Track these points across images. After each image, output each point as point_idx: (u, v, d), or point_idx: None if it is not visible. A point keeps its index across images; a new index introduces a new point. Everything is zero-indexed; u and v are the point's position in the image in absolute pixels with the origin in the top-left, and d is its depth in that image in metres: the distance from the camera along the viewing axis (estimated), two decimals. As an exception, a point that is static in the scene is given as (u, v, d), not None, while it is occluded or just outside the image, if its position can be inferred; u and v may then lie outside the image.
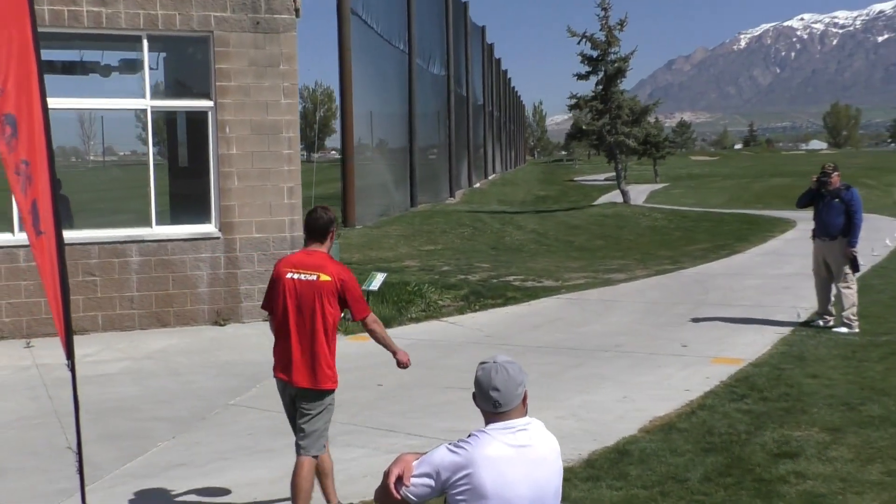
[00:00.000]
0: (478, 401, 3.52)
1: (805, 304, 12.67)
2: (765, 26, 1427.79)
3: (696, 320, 12.06)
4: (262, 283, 12.55)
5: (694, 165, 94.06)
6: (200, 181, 12.76)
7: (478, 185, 59.04)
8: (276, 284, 5.77)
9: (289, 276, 5.70)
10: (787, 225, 24.66)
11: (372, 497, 6.10)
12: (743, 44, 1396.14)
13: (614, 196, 44.32)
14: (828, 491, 6.13)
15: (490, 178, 69.30)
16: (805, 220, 26.51)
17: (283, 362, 5.81)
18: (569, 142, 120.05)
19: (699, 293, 14.11)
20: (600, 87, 31.73)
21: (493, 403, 3.44)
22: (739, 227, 24.86)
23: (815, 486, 6.21)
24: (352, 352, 10.99)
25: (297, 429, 5.89)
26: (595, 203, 39.73)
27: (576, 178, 72.77)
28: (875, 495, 6.05)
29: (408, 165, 35.37)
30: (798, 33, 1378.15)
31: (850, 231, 11.14)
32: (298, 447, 5.82)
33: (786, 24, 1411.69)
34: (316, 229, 5.79)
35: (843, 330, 10.94)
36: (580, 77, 32.15)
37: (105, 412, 8.51)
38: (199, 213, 12.61)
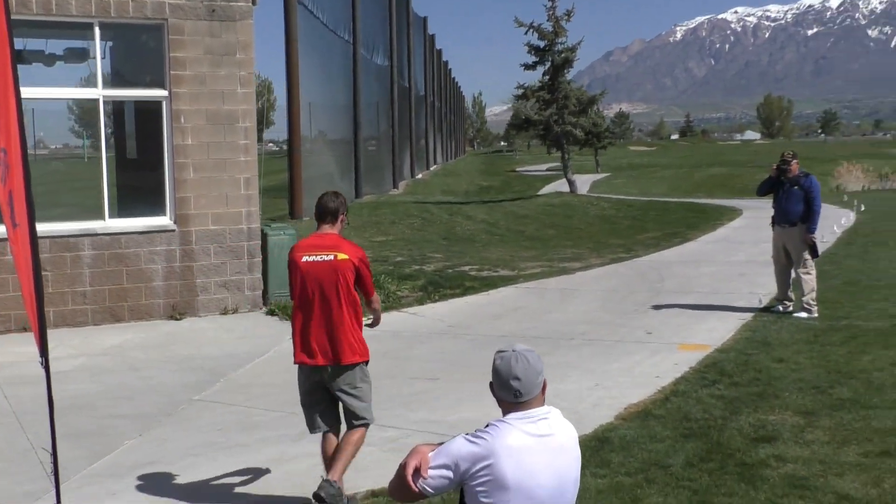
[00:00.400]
0: (496, 390, 3.42)
1: (762, 290, 12.80)
2: (700, 19, 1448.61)
3: (656, 307, 12.10)
4: (218, 276, 12.34)
5: (633, 156, 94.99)
6: (153, 173, 12.46)
7: (420, 175, 58.89)
8: (293, 271, 5.83)
9: (304, 259, 5.77)
10: (733, 213, 24.97)
11: (383, 488, 6.04)
12: (679, 36, 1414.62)
13: (558, 186, 44.55)
14: (808, 474, 6.16)
15: (432, 168, 69.18)
16: (750, 209, 26.95)
17: (310, 346, 5.85)
18: (510, 132, 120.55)
19: (656, 281, 14.18)
20: (547, 77, 31.78)
21: (513, 393, 3.35)
22: (686, 215, 25.10)
23: (796, 470, 6.23)
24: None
25: (346, 410, 5.95)
26: (540, 193, 39.85)
27: (517, 169, 73.02)
28: (854, 476, 6.09)
29: (352, 156, 35.12)
30: (732, 26, 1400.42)
31: (809, 218, 11.24)
32: (353, 422, 5.92)
33: (720, 16, 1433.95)
34: (327, 212, 5.86)
35: (803, 315, 11.05)
36: (527, 67, 32.13)
37: (65, 410, 8.20)
38: (152, 205, 12.31)
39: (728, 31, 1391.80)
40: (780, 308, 11.43)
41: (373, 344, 10.69)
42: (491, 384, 3.46)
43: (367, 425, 6.02)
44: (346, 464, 5.88)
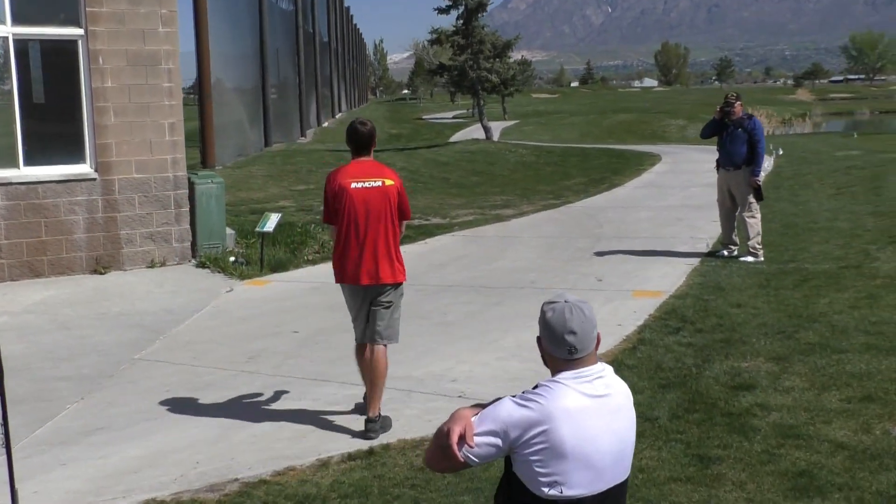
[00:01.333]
0: (547, 347, 3.05)
1: (703, 234, 12.76)
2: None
3: (600, 254, 11.92)
4: (143, 228, 11.68)
5: (537, 103, 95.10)
6: (69, 118, 11.64)
7: (326, 124, 57.82)
8: (340, 197, 6.05)
9: (353, 185, 6.03)
10: (654, 158, 25.03)
11: (359, 450, 5.67)
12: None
13: (469, 133, 44.26)
14: (797, 422, 6.01)
15: (337, 117, 68.04)
16: (668, 154, 27.12)
17: (355, 267, 6.10)
18: (414, 80, 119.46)
19: (594, 227, 14.00)
20: (461, 21, 31.22)
21: (568, 349, 2.99)
22: (608, 161, 25.05)
23: (783, 418, 6.09)
24: (250, 297, 10.41)
25: (374, 323, 6.22)
26: (454, 140, 39.45)
27: (424, 117, 72.42)
28: (842, 423, 5.97)
29: (261, 104, 34.18)
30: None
31: (753, 160, 11.15)
32: (374, 337, 6.21)
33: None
34: (362, 141, 6.14)
35: (749, 259, 11.00)
36: (441, 11, 31.47)
37: (-6, 374, 7.62)
38: (70, 153, 11.52)
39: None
40: (725, 252, 11.36)
41: (314, 296, 10.36)
42: (539, 339, 3.11)
43: (387, 345, 6.29)
44: (381, 395, 6.21)
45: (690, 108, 67.66)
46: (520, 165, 25.47)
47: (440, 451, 3.01)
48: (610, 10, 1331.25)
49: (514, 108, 68.81)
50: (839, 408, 6.25)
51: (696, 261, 11.21)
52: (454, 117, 67.06)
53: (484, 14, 31.32)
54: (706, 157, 25.91)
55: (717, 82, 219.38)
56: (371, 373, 6.19)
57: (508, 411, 2.96)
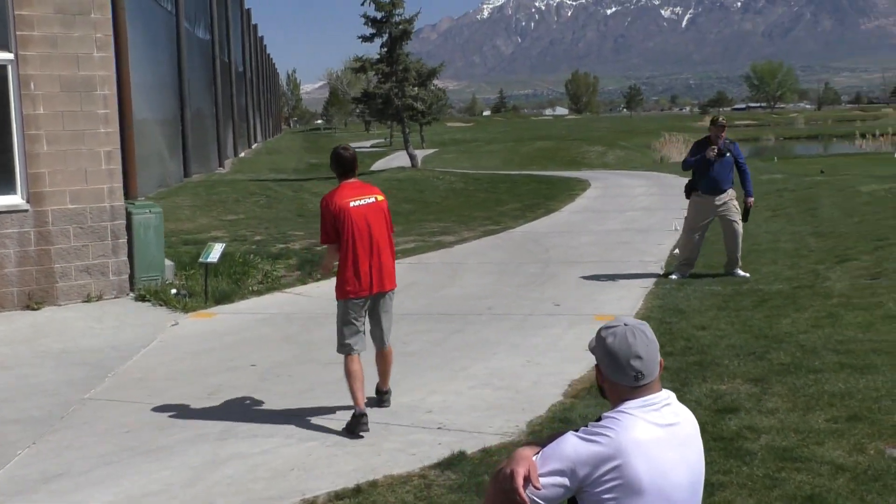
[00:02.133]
0: (609, 375, 2.85)
1: (650, 257, 12.77)
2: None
3: (552, 278, 11.80)
4: (78, 261, 11.16)
5: (453, 131, 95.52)
6: (-2, 146, 11.10)
7: (243, 154, 57.10)
8: (341, 217, 6.50)
9: (353, 204, 6.52)
10: (583, 184, 25.16)
11: (345, 488, 5.33)
12: (486, 13, 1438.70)
13: (390, 161, 44.08)
14: (789, 444, 5.91)
15: (254, 147, 67.33)
16: (595, 180, 27.27)
17: (368, 278, 6.57)
18: (328, 109, 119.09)
19: (540, 252, 13.90)
20: (385, 49, 31.08)
21: (634, 375, 2.79)
22: (538, 186, 25.09)
23: (775, 440, 5.98)
24: (198, 330, 10.00)
25: (383, 330, 6.88)
26: (375, 169, 39.22)
27: (342, 146, 71.95)
28: (835, 444, 5.88)
29: (180, 134, 33.52)
30: (536, 4, 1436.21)
31: (746, 182, 11.26)
32: (384, 341, 6.90)
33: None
34: (348, 165, 6.66)
35: (743, 274, 11.07)
36: (365, 39, 31.28)
37: (-67, 419, 7.10)
38: (0, 182, 10.96)
39: (533, 10, 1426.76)
40: (677, 276, 11.33)
41: (265, 328, 9.99)
42: (597, 367, 2.90)
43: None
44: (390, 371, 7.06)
45: (606, 135, 68.70)
46: (451, 192, 25.34)
47: (503, 495, 2.78)
48: (520, 40, 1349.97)
49: (430, 137, 68.86)
50: (827, 428, 6.16)
51: (648, 283, 11.17)
52: (372, 146, 66.97)
53: (408, 42, 31.25)
54: (635, 182, 26.27)
55: (625, 110, 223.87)
56: (387, 363, 6.97)
57: (574, 448, 2.74)
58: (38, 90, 10.84)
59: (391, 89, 30.43)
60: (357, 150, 36.77)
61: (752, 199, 11.34)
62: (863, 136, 53.72)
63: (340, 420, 6.77)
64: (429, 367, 8.13)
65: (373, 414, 6.87)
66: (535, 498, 2.73)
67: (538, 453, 2.79)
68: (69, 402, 7.49)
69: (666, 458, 2.77)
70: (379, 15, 30.93)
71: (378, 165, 43.27)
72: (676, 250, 11.81)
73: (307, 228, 17.79)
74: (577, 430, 2.79)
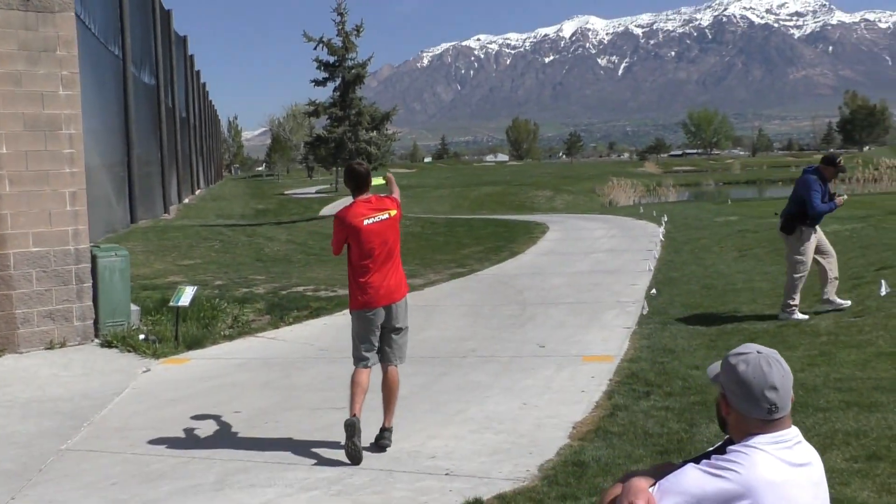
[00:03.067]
0: (738, 405, 2.63)
1: (626, 298, 12.63)
2: (445, 45, 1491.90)
3: (532, 320, 11.59)
4: (41, 306, 10.69)
5: (398, 177, 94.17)
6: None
7: (187, 200, 56.39)
8: (354, 236, 6.68)
9: (366, 223, 6.67)
10: (541, 227, 25.07)
11: None
12: (426, 62, 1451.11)
13: (339, 206, 43.67)
14: (813, 485, 5.72)
15: (198, 193, 66.54)
16: (553, 223, 27.23)
17: (380, 292, 6.74)
18: (271, 156, 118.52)
19: (514, 294, 13.70)
20: (338, 93, 30.91)
21: (768, 408, 2.58)
22: (496, 230, 24.97)
23: (798, 481, 5.78)
24: (172, 377, 9.60)
25: (395, 347, 6.97)
26: (325, 214, 38.86)
27: (286, 192, 71.50)
28: (861, 484, 5.72)
29: (126, 180, 32.91)
30: (476, 53, 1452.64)
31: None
32: (391, 359, 6.94)
33: (464, 43, 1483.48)
34: (361, 180, 6.82)
35: (843, 304, 10.79)
36: (317, 83, 31.08)
37: None
38: (-41, 224, 10.49)
39: (472, 58, 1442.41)
40: (831, 306, 10.83)
41: (243, 373, 9.61)
42: (722, 397, 2.68)
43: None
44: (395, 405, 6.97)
45: (551, 181, 69.17)
46: (409, 236, 25.08)
47: None
48: (459, 87, 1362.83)
49: (375, 183, 68.63)
50: (848, 468, 6.00)
51: (630, 323, 11.01)
52: (317, 192, 66.59)
53: (362, 86, 31.14)
54: (592, 224, 26.30)
55: (565, 157, 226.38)
56: (392, 391, 6.88)
57: (698, 483, 2.51)
58: (2, 129, 10.44)
59: (345, 133, 30.22)
60: (303, 196, 36.65)
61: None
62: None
63: (338, 468, 6.46)
64: (423, 412, 7.84)
65: (375, 460, 6.58)
66: None
67: (654, 485, 2.55)
68: (45, 454, 7.06)
69: (800, 501, 2.54)
70: (332, 59, 30.81)
71: (327, 210, 42.89)
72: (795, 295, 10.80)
73: (267, 272, 17.43)
74: (697, 463, 2.56)
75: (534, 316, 11.84)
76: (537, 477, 6.10)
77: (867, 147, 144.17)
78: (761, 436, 2.58)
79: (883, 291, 11.10)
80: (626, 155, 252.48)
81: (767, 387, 2.57)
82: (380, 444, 6.78)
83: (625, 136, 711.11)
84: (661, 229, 21.41)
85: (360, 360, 6.80)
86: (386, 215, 6.76)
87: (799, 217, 10.69)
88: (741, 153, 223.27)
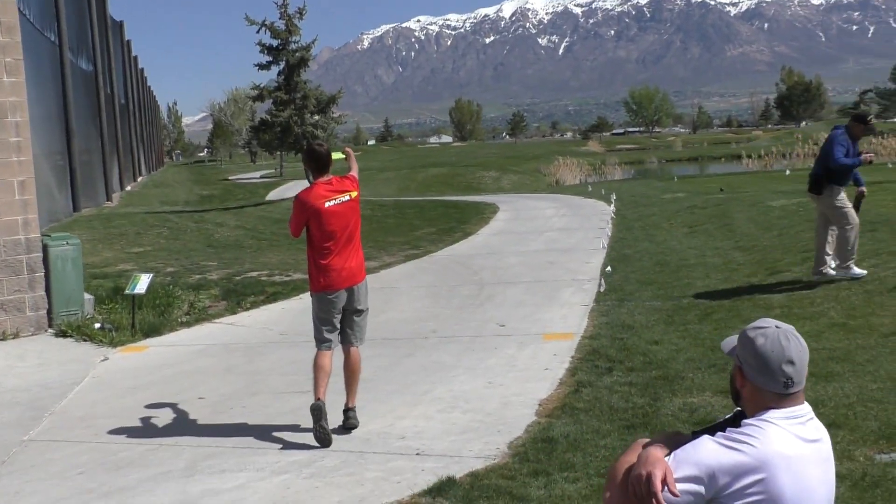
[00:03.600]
0: (754, 379, 2.64)
1: (582, 275, 12.76)
2: (385, 27, 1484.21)
3: (490, 300, 11.66)
4: (-8, 297, 10.49)
5: (342, 160, 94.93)
6: None
7: (129, 188, 55.58)
8: (316, 218, 6.58)
9: (327, 205, 6.60)
10: (492, 207, 25.15)
11: None
12: (366, 44, 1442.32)
13: (285, 191, 43.47)
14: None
15: (139, 180, 65.60)
16: (502, 203, 27.34)
17: (342, 274, 6.71)
18: (213, 141, 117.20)
19: (470, 274, 13.75)
20: (282, 77, 30.63)
21: (784, 382, 2.60)
22: (445, 211, 24.99)
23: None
24: (131, 365, 9.51)
25: (355, 328, 6.96)
26: (272, 199, 38.60)
27: (230, 178, 70.80)
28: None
29: (67, 168, 32.34)
30: (416, 34, 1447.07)
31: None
32: (351, 341, 6.94)
33: (404, 25, 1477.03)
34: (322, 161, 6.76)
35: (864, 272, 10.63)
36: (261, 67, 30.76)
37: None
38: None
39: (413, 40, 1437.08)
40: (834, 271, 10.75)
41: (204, 359, 9.55)
42: (739, 370, 2.70)
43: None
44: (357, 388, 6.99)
45: (496, 161, 69.31)
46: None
47: (636, 500, 2.55)
48: (401, 69, 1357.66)
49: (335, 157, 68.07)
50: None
51: (587, 300, 11.13)
52: (262, 177, 66.00)
53: (306, 69, 30.88)
54: (542, 204, 26.45)
55: (508, 137, 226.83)
56: (354, 371, 6.91)
57: (715, 454, 2.54)
58: (-54, 117, 10.21)
59: (290, 117, 29.98)
60: (248, 181, 36.18)
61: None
62: (748, 156, 55.57)
63: (308, 451, 6.46)
64: (389, 392, 7.86)
65: (345, 442, 6.60)
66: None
67: (669, 454, 2.58)
68: (8, 445, 6.96)
69: (811, 476, 2.59)
70: (275, 42, 30.52)
71: (273, 195, 42.61)
72: (830, 251, 10.70)
73: (219, 258, 17.27)
74: (712, 435, 2.61)
75: (492, 296, 11.91)
76: (508, 454, 6.16)
77: (804, 122, 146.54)
78: (775, 410, 2.62)
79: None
80: (570, 134, 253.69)
81: (785, 361, 2.60)
82: (347, 426, 6.80)
83: (567, 115, 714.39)
84: (612, 207, 21.62)
85: (321, 341, 6.80)
86: (347, 197, 6.71)
87: (826, 176, 10.60)
88: (682, 130, 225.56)
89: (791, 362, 2.59)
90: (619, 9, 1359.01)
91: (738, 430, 2.58)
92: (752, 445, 2.53)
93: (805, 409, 2.65)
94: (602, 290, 11.58)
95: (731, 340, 2.76)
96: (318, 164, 6.75)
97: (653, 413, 6.80)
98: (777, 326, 2.65)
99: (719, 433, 2.59)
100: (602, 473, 5.70)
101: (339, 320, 6.85)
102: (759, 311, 9.91)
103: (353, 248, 6.78)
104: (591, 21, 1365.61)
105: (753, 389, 2.64)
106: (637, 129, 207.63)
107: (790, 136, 78.24)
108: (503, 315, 10.71)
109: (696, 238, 15.80)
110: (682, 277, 12.17)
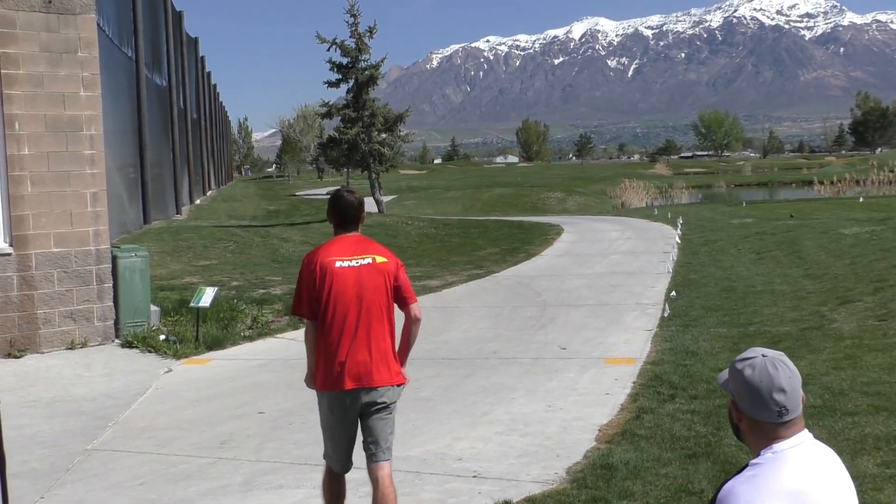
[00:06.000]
0: (748, 410, 2.57)
1: (646, 300, 12.58)
2: (454, 47, 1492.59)
3: (553, 322, 11.57)
4: (63, 306, 10.70)
5: (407, 179, 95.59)
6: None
7: (198, 201, 56.59)
8: (323, 281, 4.77)
9: (339, 265, 4.79)
10: (556, 229, 25.05)
11: None
12: (435, 63, 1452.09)
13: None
14: (845, 489, 5.67)
15: (209, 194, 66.75)
16: (567, 225, 27.20)
17: (346, 367, 4.74)
18: (282, 157, 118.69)
19: (533, 295, 13.67)
20: (351, 94, 30.91)
21: (777, 411, 2.52)
22: (510, 231, 24.95)
23: (830, 485, 5.74)
24: (194, 377, 9.60)
25: (375, 437, 4.90)
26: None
27: (297, 193, 71.64)
28: (894, 490, 5.68)
29: (139, 181, 33.04)
30: (485, 54, 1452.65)
31: None
32: (381, 455, 4.92)
33: (474, 45, 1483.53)
34: (349, 213, 4.95)
35: None
36: (331, 84, 31.10)
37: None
38: (-19, 225, 10.52)
39: (481, 59, 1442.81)
40: None
41: (265, 374, 9.61)
42: (733, 405, 2.63)
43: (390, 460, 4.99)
44: None
45: (562, 182, 69.15)
46: (424, 237, 25.11)
47: None
48: (469, 88, 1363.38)
49: (386, 184, 68.68)
50: (880, 473, 5.96)
51: (651, 325, 10.98)
52: (328, 193, 66.47)
53: (375, 88, 31.13)
54: (607, 227, 26.26)
55: (574, 158, 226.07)
56: (387, 495, 4.90)
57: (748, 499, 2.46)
58: (23, 130, 10.47)
59: (358, 134, 30.21)
60: (314, 196, 36.32)
61: None
62: (820, 182, 54.56)
63: (365, 470, 6.42)
64: (448, 413, 7.82)
65: (403, 462, 6.56)
66: None
67: None
68: (72, 454, 7.07)
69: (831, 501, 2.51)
70: (345, 60, 30.81)
71: (339, 211, 42.95)
72: None
73: (284, 273, 17.43)
74: (732, 479, 2.53)
75: (554, 318, 11.81)
76: (566, 480, 6.07)
77: (880, 149, 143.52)
78: (776, 443, 2.55)
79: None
80: (637, 157, 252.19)
81: (776, 389, 2.52)
82: None
83: (635, 137, 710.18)
84: (678, 231, 21.36)
85: (326, 457, 5.13)
86: (369, 259, 4.84)
87: None
88: (752, 155, 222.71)
89: (782, 390, 2.51)
90: (690, 31, 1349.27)
91: (748, 473, 2.50)
92: (772, 481, 2.45)
93: (807, 435, 2.58)
94: (666, 315, 11.41)
95: (725, 374, 2.69)
96: (343, 215, 4.96)
97: (716, 442, 6.65)
98: (763, 355, 2.58)
99: (738, 474, 2.52)
100: (662, 502, 5.59)
101: (352, 435, 4.96)
102: (828, 340, 9.68)
103: (368, 334, 4.77)
104: (662, 43, 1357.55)
105: (750, 422, 2.57)
106: (706, 152, 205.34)
107: (864, 163, 76.60)
108: (565, 338, 10.61)
109: (764, 264, 15.51)
110: (748, 304, 11.95)
